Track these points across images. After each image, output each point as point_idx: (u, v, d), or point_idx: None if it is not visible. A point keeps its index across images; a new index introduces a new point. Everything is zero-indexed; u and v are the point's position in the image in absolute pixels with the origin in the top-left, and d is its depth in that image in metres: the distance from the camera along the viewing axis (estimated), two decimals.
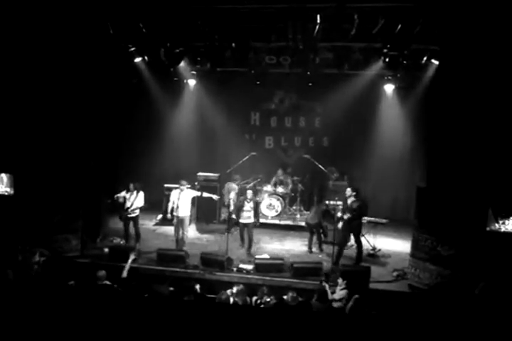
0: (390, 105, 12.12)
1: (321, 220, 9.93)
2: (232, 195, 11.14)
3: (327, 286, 7.19)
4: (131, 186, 9.80)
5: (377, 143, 12.54)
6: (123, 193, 9.84)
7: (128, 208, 9.73)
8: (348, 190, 9.28)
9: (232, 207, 10.68)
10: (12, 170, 9.42)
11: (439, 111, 9.96)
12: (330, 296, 7.07)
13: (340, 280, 7.27)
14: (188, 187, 9.95)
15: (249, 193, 9.81)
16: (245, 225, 9.76)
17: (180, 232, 9.70)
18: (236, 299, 6.74)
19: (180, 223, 9.68)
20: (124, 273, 7.21)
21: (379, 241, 10.35)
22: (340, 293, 7.10)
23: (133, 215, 9.81)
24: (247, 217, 9.68)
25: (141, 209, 9.90)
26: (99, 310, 3.70)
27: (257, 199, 10.07)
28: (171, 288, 7.08)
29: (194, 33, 9.27)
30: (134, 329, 3.49)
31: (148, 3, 8.76)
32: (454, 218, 7.93)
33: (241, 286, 6.97)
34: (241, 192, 11.17)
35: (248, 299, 6.91)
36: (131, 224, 9.89)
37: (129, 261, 7.48)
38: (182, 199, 9.67)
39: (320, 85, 11.72)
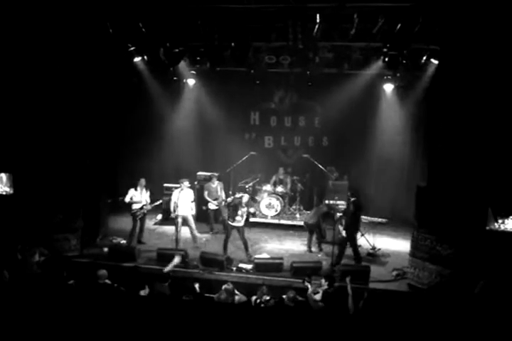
0: (390, 104, 12.13)
1: (319, 221, 9.91)
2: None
3: (309, 286, 7.15)
4: (143, 181, 9.96)
5: (377, 142, 12.55)
6: (132, 192, 9.88)
7: (144, 205, 9.91)
8: (349, 193, 9.42)
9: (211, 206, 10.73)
10: (11, 170, 9.42)
11: (438, 111, 9.94)
12: (312, 297, 6.96)
13: (322, 281, 7.20)
14: (188, 186, 9.95)
15: (245, 197, 9.41)
16: (236, 228, 9.33)
17: (180, 232, 9.69)
18: (221, 296, 6.75)
19: (184, 222, 9.73)
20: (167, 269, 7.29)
21: (379, 241, 10.36)
22: (319, 294, 7.06)
23: (145, 211, 9.99)
24: (238, 220, 9.28)
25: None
26: (99, 309, 3.70)
27: (252, 208, 9.70)
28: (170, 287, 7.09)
29: (193, 32, 9.26)
30: (133, 328, 3.49)
31: (147, 2, 8.75)
32: (454, 217, 7.93)
33: (230, 286, 6.95)
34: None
35: (237, 298, 6.89)
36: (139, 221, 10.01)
37: (175, 261, 7.49)
38: (182, 198, 9.69)
39: (320, 85, 11.72)
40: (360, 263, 9.12)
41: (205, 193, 10.99)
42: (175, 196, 9.74)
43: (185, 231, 9.89)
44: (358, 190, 9.52)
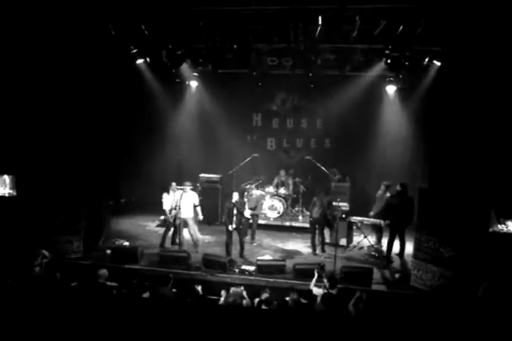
0: (392, 106, 12.11)
1: (326, 213, 9.78)
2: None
3: (316, 275, 7.26)
4: (174, 186, 9.97)
5: (379, 144, 12.53)
6: (166, 197, 9.83)
7: (174, 208, 9.78)
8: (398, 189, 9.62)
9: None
10: (14, 172, 9.44)
11: (440, 112, 9.95)
12: (311, 286, 7.22)
13: (325, 281, 7.23)
14: (191, 189, 9.94)
15: (235, 195, 9.38)
16: (234, 231, 9.36)
17: (183, 234, 9.69)
18: (229, 300, 6.74)
19: (183, 224, 9.70)
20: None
21: (381, 243, 10.31)
22: (319, 290, 7.09)
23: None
24: (234, 221, 9.29)
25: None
26: (102, 312, 3.70)
27: (244, 206, 9.61)
28: (174, 290, 7.09)
29: (196, 34, 9.30)
30: (136, 331, 3.49)
31: (150, 5, 8.79)
32: (457, 219, 7.91)
33: (240, 289, 6.94)
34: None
35: (245, 302, 6.89)
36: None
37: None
38: (184, 200, 9.68)
39: (322, 86, 11.74)
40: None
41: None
42: (177, 197, 9.72)
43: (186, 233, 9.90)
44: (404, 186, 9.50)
